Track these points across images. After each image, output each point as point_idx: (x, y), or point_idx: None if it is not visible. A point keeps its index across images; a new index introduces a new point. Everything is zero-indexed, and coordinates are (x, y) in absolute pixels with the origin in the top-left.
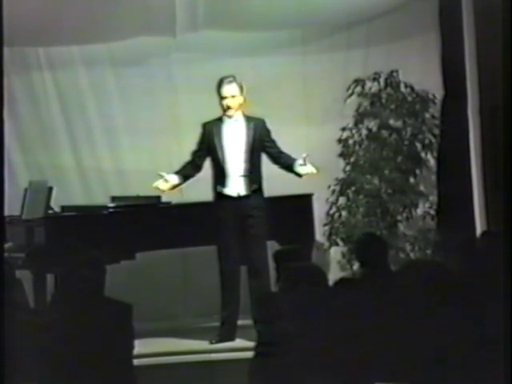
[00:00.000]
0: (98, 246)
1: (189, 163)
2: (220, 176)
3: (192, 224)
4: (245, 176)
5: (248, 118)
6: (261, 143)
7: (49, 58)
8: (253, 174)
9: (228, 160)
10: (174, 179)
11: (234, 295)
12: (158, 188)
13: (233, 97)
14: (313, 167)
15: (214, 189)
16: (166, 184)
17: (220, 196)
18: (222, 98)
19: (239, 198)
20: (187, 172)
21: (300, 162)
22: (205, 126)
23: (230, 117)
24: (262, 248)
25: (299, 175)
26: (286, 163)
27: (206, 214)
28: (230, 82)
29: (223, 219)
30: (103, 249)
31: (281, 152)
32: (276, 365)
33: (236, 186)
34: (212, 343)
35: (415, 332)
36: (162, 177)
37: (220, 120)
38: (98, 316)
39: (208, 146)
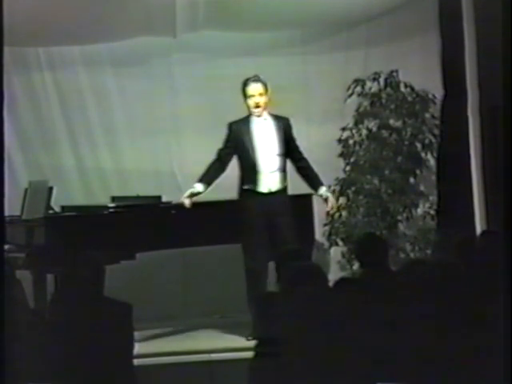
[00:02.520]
0: (98, 246)
1: (213, 164)
2: (250, 173)
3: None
4: (276, 172)
5: (275, 117)
6: (287, 142)
7: (49, 58)
8: (283, 172)
9: (259, 157)
10: (199, 187)
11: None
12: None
13: (260, 95)
14: (333, 200)
15: (241, 186)
16: (190, 198)
17: (248, 193)
18: (249, 96)
19: (270, 194)
20: (212, 176)
21: (321, 193)
22: (231, 125)
23: (258, 116)
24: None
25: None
26: (304, 176)
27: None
28: (256, 80)
29: (252, 216)
30: (103, 249)
31: (302, 155)
32: (276, 365)
33: (267, 182)
34: (248, 340)
35: (416, 332)
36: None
37: (247, 119)
38: (97, 316)
39: (236, 145)
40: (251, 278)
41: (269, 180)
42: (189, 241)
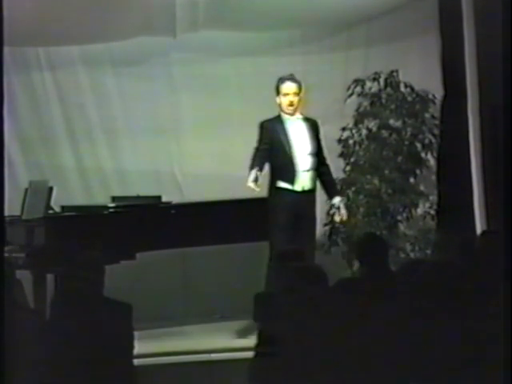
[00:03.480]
0: (98, 246)
1: (256, 156)
2: (286, 172)
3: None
4: (309, 171)
5: (305, 118)
6: (317, 142)
7: (49, 58)
8: (315, 171)
9: (295, 156)
10: (259, 174)
11: None
12: (253, 188)
13: (295, 94)
14: (344, 212)
15: (273, 184)
16: (256, 183)
17: (283, 191)
18: (284, 94)
19: (303, 192)
20: (261, 163)
21: (334, 202)
22: (264, 123)
23: (291, 115)
24: (313, 246)
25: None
26: (323, 182)
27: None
28: (292, 79)
29: (284, 214)
30: (103, 249)
31: (325, 159)
32: (276, 365)
33: (302, 180)
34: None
35: (415, 332)
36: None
37: (280, 118)
38: (97, 316)
39: (271, 143)
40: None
41: (303, 179)
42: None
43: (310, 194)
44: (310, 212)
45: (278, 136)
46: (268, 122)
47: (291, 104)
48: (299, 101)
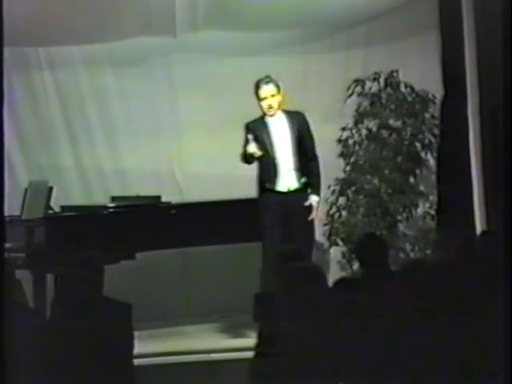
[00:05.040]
0: (98, 246)
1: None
2: (270, 172)
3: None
4: (294, 170)
5: (289, 114)
6: (302, 138)
7: (49, 58)
8: (301, 169)
9: (278, 157)
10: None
11: None
12: (254, 154)
13: (272, 96)
14: (316, 212)
15: (260, 185)
16: (256, 149)
17: (268, 192)
18: (261, 99)
19: (289, 192)
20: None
21: (310, 200)
22: (249, 125)
23: (272, 116)
24: (308, 246)
25: None
26: (307, 179)
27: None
28: (268, 82)
29: (271, 215)
30: (103, 249)
31: (314, 155)
32: (276, 365)
33: (286, 181)
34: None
35: (415, 332)
36: (248, 141)
37: (262, 119)
38: (97, 316)
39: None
40: (268, 277)
41: (288, 179)
42: (197, 241)
43: (297, 193)
44: (299, 212)
45: (261, 137)
46: (252, 123)
47: (270, 107)
48: (279, 101)
